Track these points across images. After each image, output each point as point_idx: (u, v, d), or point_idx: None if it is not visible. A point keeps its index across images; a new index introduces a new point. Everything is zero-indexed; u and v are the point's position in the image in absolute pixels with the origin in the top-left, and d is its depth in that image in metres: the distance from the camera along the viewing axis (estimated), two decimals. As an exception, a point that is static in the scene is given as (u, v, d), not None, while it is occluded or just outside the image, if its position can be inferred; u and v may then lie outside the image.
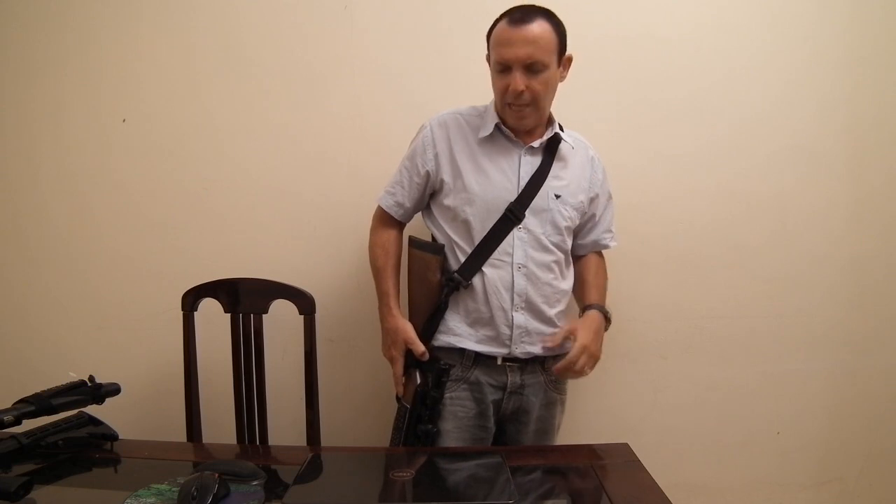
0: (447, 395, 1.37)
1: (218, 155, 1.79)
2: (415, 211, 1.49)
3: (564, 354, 1.37)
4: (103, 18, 1.77)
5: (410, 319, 1.43)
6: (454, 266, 1.39)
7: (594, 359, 1.38)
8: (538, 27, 1.27)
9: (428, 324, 1.40)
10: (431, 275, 1.39)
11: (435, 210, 1.44)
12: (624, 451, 1.23)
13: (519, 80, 1.28)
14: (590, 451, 1.27)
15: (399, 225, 1.50)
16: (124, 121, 1.78)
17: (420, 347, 1.38)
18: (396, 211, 1.46)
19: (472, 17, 1.74)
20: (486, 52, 1.38)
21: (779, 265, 1.83)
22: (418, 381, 1.37)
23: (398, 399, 1.43)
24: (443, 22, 1.76)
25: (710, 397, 1.85)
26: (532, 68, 1.28)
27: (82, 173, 1.79)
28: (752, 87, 1.79)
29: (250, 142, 1.78)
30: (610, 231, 1.54)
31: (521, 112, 1.33)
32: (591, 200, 1.48)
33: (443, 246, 1.40)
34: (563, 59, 1.34)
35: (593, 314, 1.43)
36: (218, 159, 1.79)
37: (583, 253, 1.53)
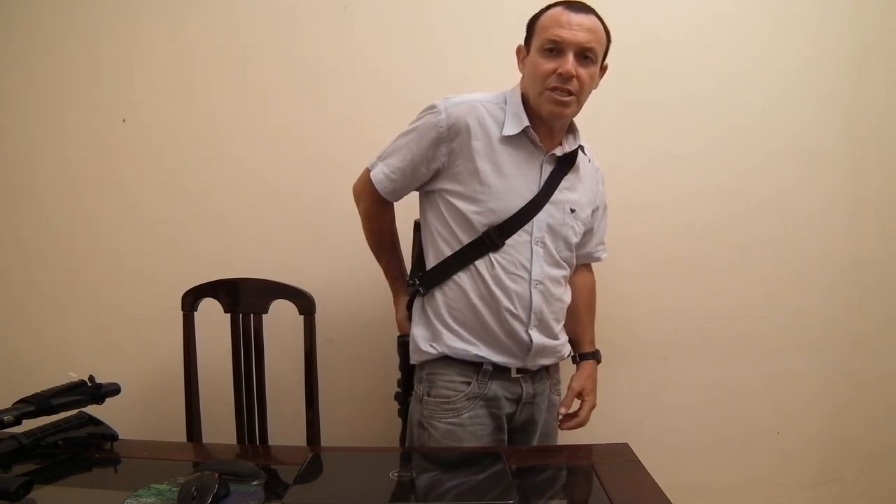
0: (466, 414, 1.31)
1: (218, 155, 1.79)
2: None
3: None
4: (103, 18, 1.77)
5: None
6: (430, 264, 1.33)
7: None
8: (596, 21, 1.23)
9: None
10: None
11: (444, 210, 1.30)
12: (624, 451, 1.23)
13: (571, 64, 1.20)
14: (590, 451, 1.27)
15: (391, 204, 1.41)
16: (124, 121, 1.78)
17: (402, 329, 1.42)
18: (392, 196, 1.37)
19: (472, 18, 1.75)
20: (521, 42, 1.30)
21: (779, 265, 1.83)
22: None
23: (396, 398, 1.45)
24: (443, 22, 1.76)
25: (710, 397, 1.85)
26: (585, 55, 1.22)
27: (82, 173, 1.79)
28: (752, 87, 1.79)
29: (250, 142, 1.78)
30: (602, 243, 1.51)
31: (563, 99, 1.23)
32: (594, 213, 1.43)
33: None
34: (602, 65, 1.28)
35: (592, 367, 1.47)
36: (218, 159, 1.79)
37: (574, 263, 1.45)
